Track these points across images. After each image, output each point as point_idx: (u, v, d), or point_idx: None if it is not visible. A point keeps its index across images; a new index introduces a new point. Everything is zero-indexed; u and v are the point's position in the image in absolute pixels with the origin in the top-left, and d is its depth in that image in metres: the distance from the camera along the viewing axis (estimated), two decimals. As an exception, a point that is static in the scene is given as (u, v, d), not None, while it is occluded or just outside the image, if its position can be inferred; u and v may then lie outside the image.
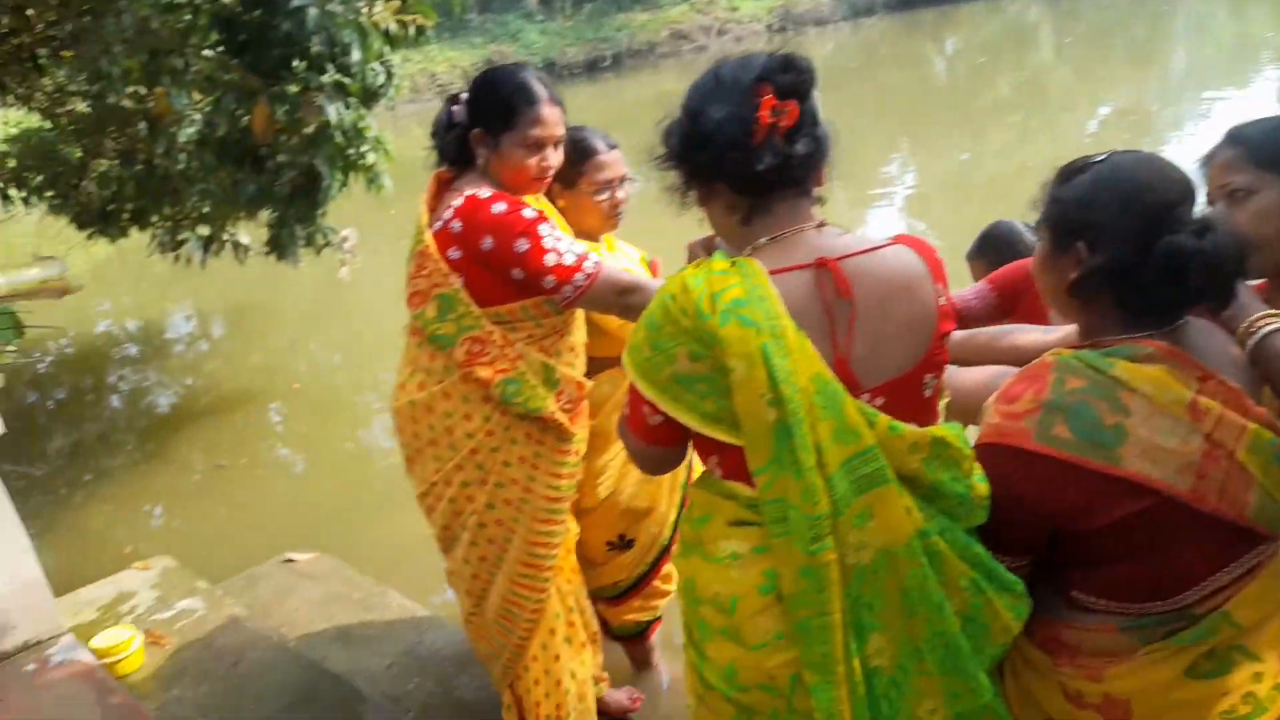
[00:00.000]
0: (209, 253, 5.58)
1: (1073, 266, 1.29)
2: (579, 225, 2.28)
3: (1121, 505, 1.22)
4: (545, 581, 2.16)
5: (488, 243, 1.89)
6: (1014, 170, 10.23)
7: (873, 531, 1.22)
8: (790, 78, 1.25)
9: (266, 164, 4.86)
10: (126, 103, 5.02)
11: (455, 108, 2.04)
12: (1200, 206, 1.29)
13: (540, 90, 1.95)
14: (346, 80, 4.64)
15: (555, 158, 2.01)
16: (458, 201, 1.93)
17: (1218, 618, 1.26)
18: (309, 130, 4.63)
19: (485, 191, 1.94)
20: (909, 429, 1.23)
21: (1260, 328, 1.31)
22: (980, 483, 1.27)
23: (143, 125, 5.06)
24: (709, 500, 1.35)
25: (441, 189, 2.08)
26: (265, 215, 5.21)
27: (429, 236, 1.96)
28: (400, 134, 16.52)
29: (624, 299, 1.95)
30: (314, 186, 4.94)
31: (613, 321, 2.23)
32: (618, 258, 2.40)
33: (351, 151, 4.89)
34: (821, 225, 1.32)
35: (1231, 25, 18.09)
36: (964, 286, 2.19)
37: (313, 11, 4.31)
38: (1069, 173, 1.34)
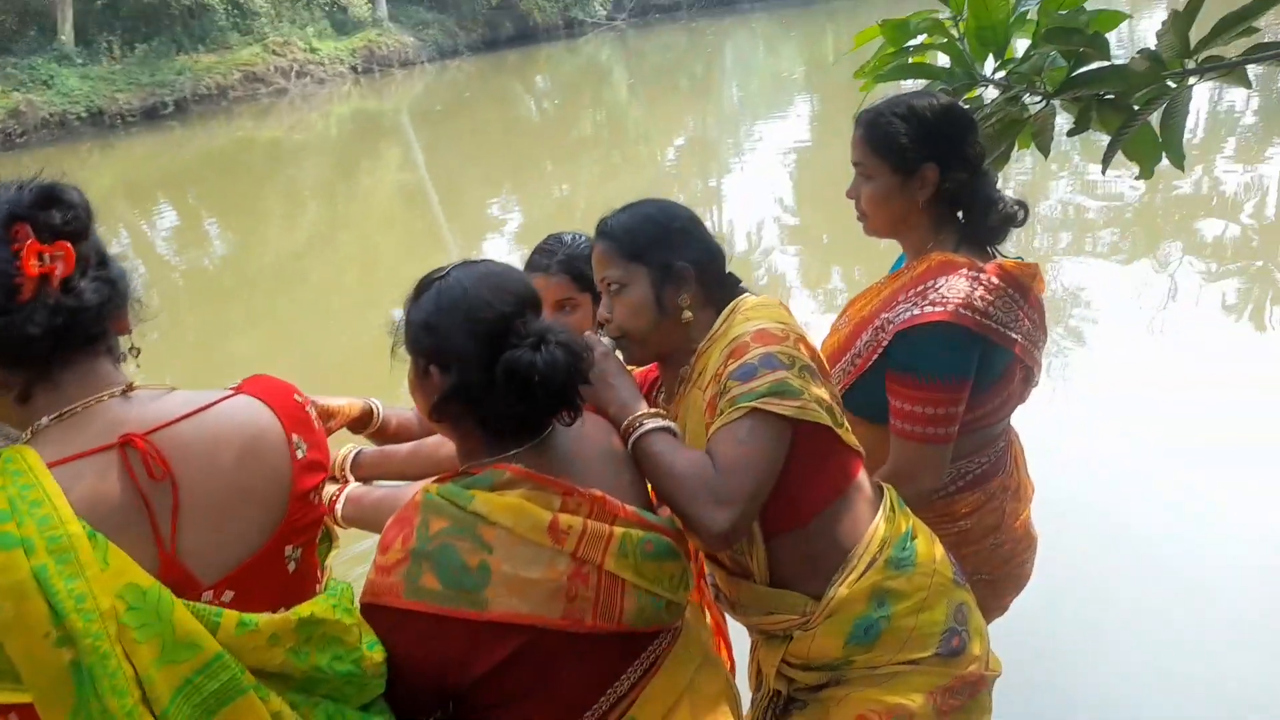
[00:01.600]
0: None
1: (434, 390, 1.23)
2: None
3: (497, 649, 1.16)
4: None
5: None
6: (606, 201, 10.68)
7: None
8: (58, 214, 1.01)
9: None
10: None
11: None
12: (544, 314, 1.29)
13: None
14: None
15: None
16: None
17: None
18: None
19: None
20: (265, 619, 1.03)
21: (636, 427, 1.36)
22: (372, 650, 1.13)
23: None
24: None
25: None
26: None
27: None
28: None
29: None
30: None
31: None
32: None
33: None
34: (128, 390, 1.06)
35: (769, 62, 20.88)
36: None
37: None
38: (418, 291, 1.28)
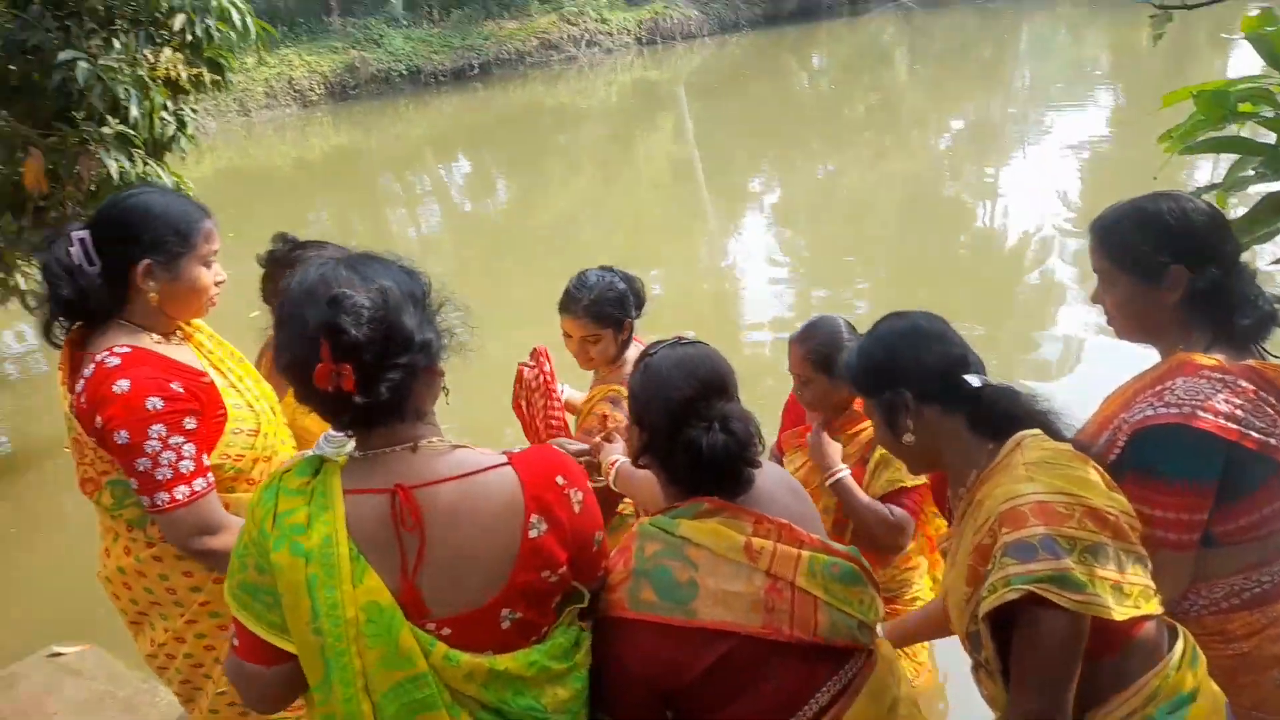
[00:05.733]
0: (-5, 301, 4.98)
1: (634, 441, 1.53)
2: None
3: (706, 654, 1.33)
4: None
5: (98, 420, 1.64)
6: (871, 184, 10.51)
7: None
8: (349, 338, 1.16)
9: (50, 215, 4.56)
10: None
11: (73, 249, 1.70)
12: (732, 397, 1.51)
13: (198, 205, 1.84)
14: (131, 133, 4.48)
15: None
16: (89, 371, 1.68)
17: None
18: (92, 185, 4.43)
19: (116, 356, 1.67)
20: (466, 659, 1.23)
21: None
22: (573, 686, 1.31)
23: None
24: None
25: (77, 357, 1.76)
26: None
27: (75, 422, 1.71)
28: (255, 142, 15.68)
29: (196, 542, 1.70)
30: (107, 239, 4.67)
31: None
32: None
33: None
34: (416, 446, 1.26)
35: (1070, 49, 19.30)
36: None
37: (83, 66, 4.15)
38: (641, 358, 1.55)
